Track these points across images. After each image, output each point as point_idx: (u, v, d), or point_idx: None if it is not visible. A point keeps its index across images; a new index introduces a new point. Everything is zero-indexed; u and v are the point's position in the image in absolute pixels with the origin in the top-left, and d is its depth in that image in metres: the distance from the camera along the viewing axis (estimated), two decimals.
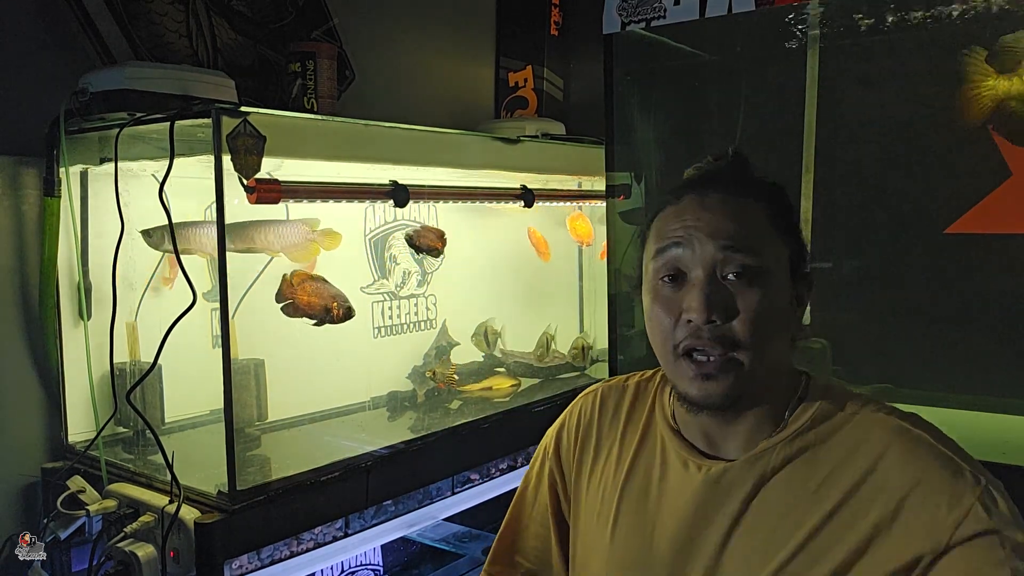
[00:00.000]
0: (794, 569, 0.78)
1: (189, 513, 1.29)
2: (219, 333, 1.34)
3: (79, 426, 1.56)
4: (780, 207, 0.86)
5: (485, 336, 2.10)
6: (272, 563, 1.39)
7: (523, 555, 1.05)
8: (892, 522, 0.75)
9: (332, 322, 1.55)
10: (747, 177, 0.89)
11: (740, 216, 0.82)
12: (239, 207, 1.37)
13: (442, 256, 1.89)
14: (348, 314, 1.57)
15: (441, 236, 1.85)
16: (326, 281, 1.57)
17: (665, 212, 0.87)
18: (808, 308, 0.89)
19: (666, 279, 0.84)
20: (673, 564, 0.85)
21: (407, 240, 1.80)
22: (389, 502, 1.57)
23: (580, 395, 1.04)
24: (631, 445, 0.94)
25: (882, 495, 0.76)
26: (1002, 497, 0.74)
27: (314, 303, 1.53)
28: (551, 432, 1.05)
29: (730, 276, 0.80)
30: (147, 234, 1.48)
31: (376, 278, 1.90)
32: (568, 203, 2.28)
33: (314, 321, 1.54)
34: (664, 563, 0.85)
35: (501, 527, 1.07)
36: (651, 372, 1.01)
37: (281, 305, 1.52)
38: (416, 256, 1.88)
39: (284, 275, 1.54)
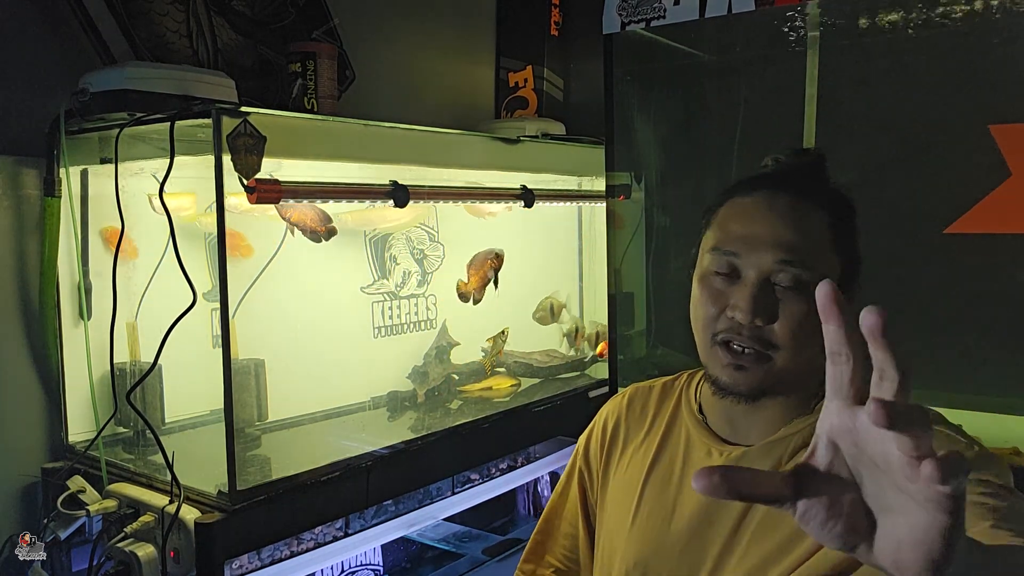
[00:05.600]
0: (800, 546, 0.81)
1: (189, 513, 1.29)
2: (219, 333, 1.34)
3: (79, 426, 1.56)
4: (845, 220, 0.88)
5: (551, 310, 2.15)
6: (272, 563, 1.40)
7: (552, 554, 1.09)
8: None
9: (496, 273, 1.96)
10: (821, 181, 0.91)
11: (804, 226, 0.85)
12: None
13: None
14: (501, 261, 1.96)
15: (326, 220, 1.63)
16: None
17: (733, 204, 0.89)
18: None
19: (719, 272, 0.87)
20: (689, 543, 0.89)
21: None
22: (389, 502, 1.57)
23: (612, 398, 1.10)
24: (656, 437, 0.99)
25: None
26: (1002, 464, 0.77)
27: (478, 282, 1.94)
28: (583, 435, 1.10)
29: (780, 284, 0.84)
30: None
31: (376, 278, 1.90)
32: (569, 203, 2.28)
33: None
34: (681, 542, 0.90)
35: (536, 526, 1.11)
36: (675, 375, 1.06)
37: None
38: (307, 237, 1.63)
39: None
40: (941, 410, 0.91)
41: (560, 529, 1.08)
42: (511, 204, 2.00)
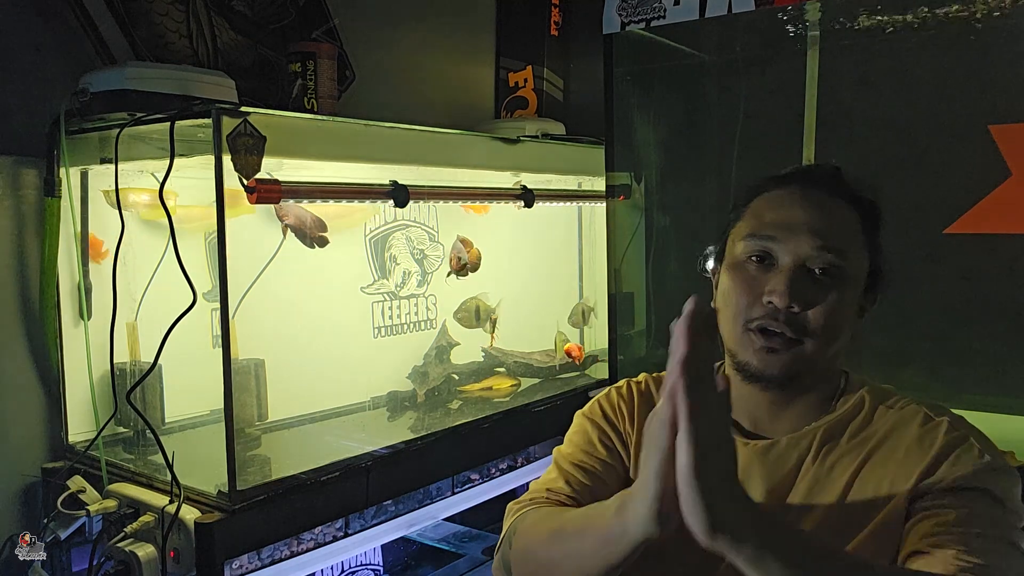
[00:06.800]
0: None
1: (189, 513, 1.29)
2: (219, 333, 1.34)
3: (79, 426, 1.56)
4: (873, 222, 0.91)
5: (476, 313, 1.97)
6: (272, 563, 1.39)
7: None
8: (906, 487, 0.81)
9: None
10: (846, 184, 0.93)
11: (838, 218, 0.88)
12: None
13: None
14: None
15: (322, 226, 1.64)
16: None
17: (769, 195, 0.91)
18: None
19: (754, 258, 0.88)
20: None
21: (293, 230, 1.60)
22: (389, 502, 1.57)
23: (623, 380, 1.05)
24: None
25: (906, 466, 0.83)
26: (1012, 482, 0.81)
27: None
28: (592, 404, 1.03)
29: (816, 271, 0.85)
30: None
31: (376, 278, 1.90)
32: (569, 203, 2.28)
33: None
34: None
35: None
36: None
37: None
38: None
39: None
40: None
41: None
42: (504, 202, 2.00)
